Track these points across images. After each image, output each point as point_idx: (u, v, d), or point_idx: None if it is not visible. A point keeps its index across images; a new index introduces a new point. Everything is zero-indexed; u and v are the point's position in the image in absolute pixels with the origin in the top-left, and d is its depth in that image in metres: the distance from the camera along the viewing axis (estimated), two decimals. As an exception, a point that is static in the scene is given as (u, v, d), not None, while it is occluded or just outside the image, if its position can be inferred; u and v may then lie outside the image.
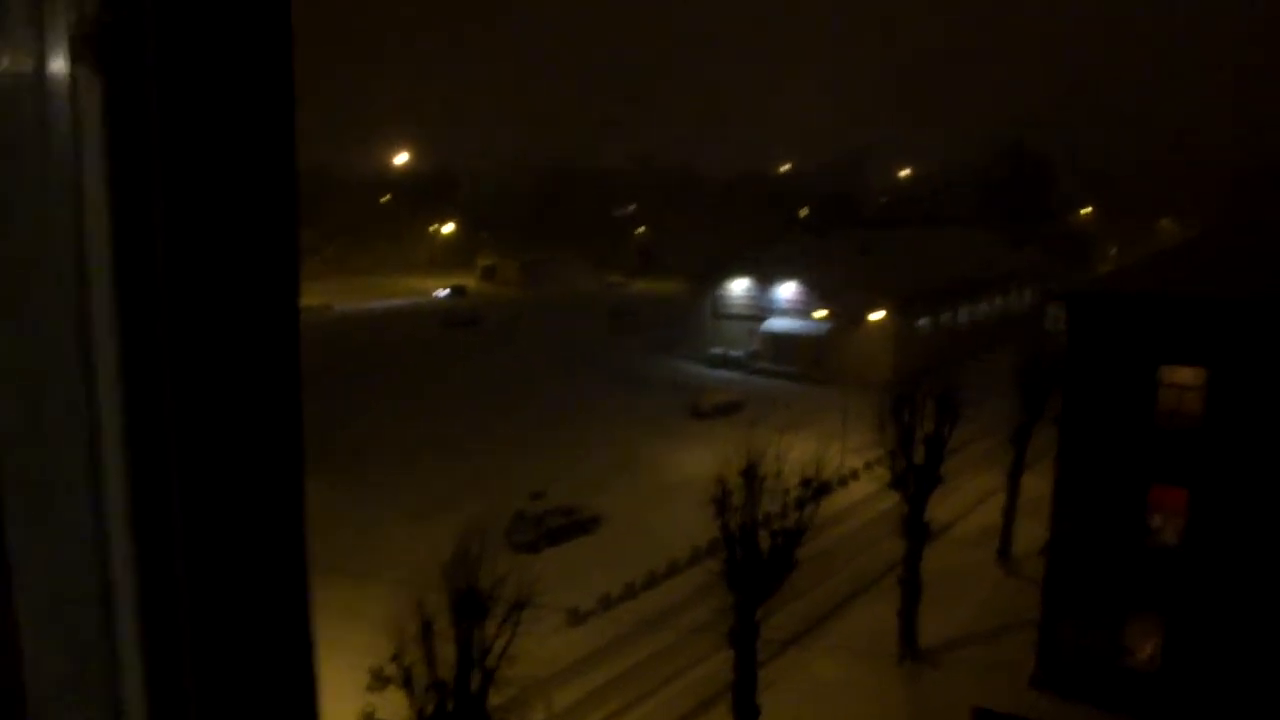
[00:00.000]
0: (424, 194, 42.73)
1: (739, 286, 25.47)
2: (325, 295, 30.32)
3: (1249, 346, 8.55)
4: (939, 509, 11.59)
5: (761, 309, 24.93)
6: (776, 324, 24.46)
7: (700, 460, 12.58)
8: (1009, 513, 12.84)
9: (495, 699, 6.19)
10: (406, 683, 5.81)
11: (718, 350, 24.89)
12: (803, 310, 24.25)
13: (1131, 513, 9.14)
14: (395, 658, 5.76)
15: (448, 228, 44.01)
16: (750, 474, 7.70)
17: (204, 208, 0.43)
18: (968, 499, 14.50)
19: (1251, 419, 8.55)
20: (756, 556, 7.76)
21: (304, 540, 0.48)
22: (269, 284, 0.45)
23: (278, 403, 0.46)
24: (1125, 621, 9.32)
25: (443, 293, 35.14)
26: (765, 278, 24.98)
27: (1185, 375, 8.90)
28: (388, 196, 42.76)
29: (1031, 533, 11.77)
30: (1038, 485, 11.96)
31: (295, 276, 0.46)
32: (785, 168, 57.07)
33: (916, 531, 10.30)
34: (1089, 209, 46.53)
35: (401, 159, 42.63)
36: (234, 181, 0.44)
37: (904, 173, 54.59)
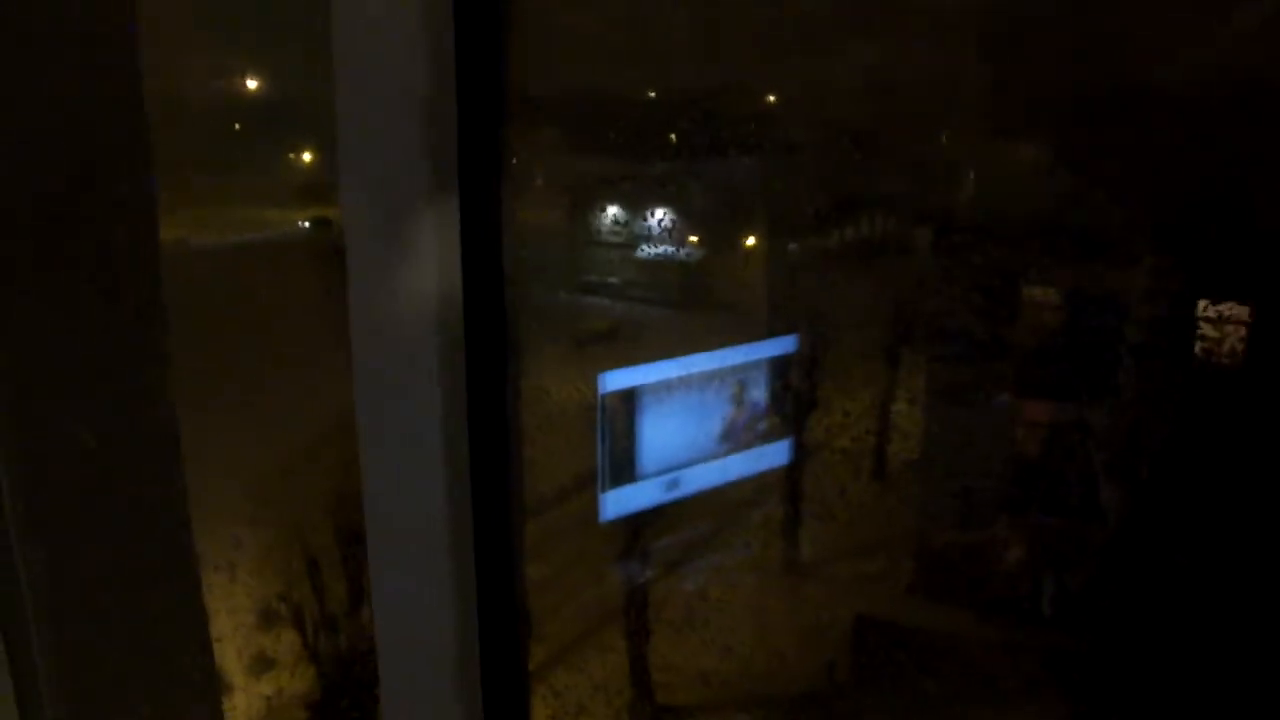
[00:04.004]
0: (280, 122, 41.10)
1: (611, 213, 25.45)
2: (178, 229, 28.86)
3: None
4: (817, 430, 11.91)
5: (634, 235, 25.00)
6: (649, 250, 24.58)
7: (582, 389, 12.47)
8: (881, 432, 13.28)
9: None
10: (297, 621, 5.65)
11: (592, 278, 24.88)
12: (675, 236, 24.44)
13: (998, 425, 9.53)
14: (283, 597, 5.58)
15: (306, 157, 42.51)
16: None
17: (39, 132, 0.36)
18: (850, 419, 14.92)
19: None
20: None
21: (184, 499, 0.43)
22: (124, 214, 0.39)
23: (144, 356, 0.41)
24: (992, 525, 9.80)
25: (305, 224, 33.99)
26: (636, 204, 25.03)
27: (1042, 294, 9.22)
28: (238, 125, 40.95)
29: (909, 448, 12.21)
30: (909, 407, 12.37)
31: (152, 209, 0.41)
32: (651, 94, 56.97)
33: (795, 452, 10.54)
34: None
35: (252, 84, 40.76)
36: (73, 102, 0.37)
37: (771, 99, 55.09)
